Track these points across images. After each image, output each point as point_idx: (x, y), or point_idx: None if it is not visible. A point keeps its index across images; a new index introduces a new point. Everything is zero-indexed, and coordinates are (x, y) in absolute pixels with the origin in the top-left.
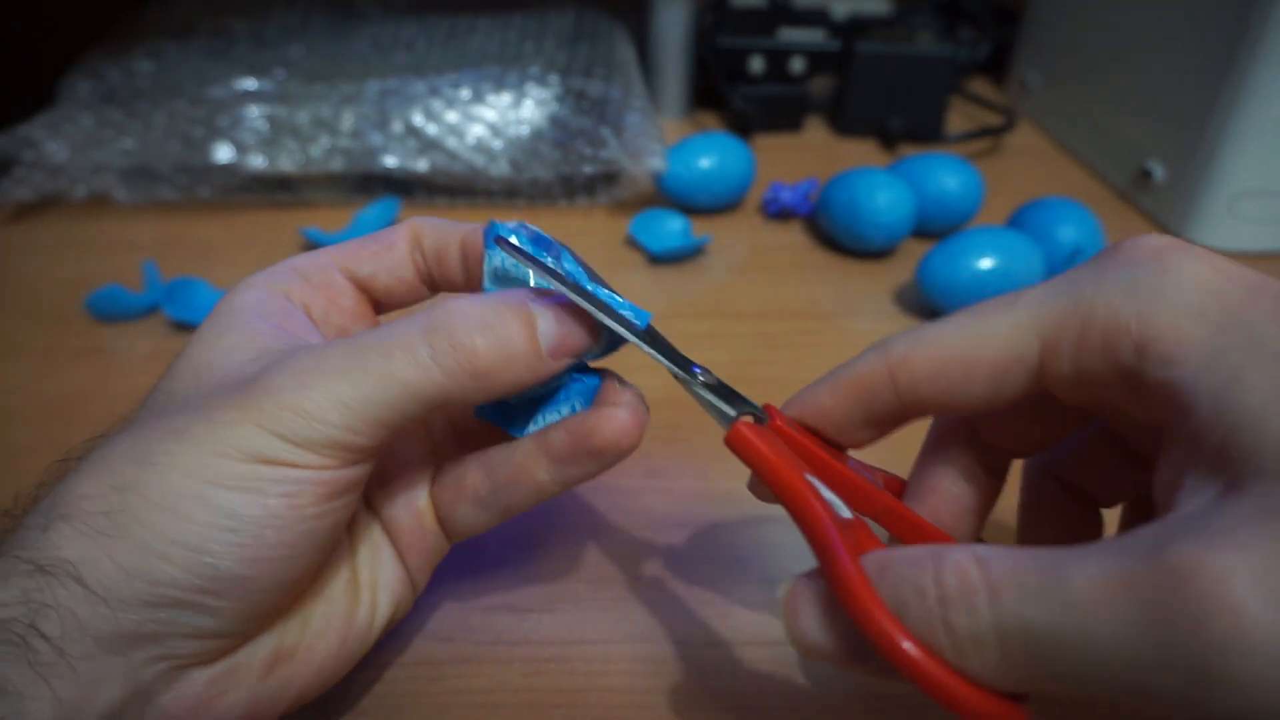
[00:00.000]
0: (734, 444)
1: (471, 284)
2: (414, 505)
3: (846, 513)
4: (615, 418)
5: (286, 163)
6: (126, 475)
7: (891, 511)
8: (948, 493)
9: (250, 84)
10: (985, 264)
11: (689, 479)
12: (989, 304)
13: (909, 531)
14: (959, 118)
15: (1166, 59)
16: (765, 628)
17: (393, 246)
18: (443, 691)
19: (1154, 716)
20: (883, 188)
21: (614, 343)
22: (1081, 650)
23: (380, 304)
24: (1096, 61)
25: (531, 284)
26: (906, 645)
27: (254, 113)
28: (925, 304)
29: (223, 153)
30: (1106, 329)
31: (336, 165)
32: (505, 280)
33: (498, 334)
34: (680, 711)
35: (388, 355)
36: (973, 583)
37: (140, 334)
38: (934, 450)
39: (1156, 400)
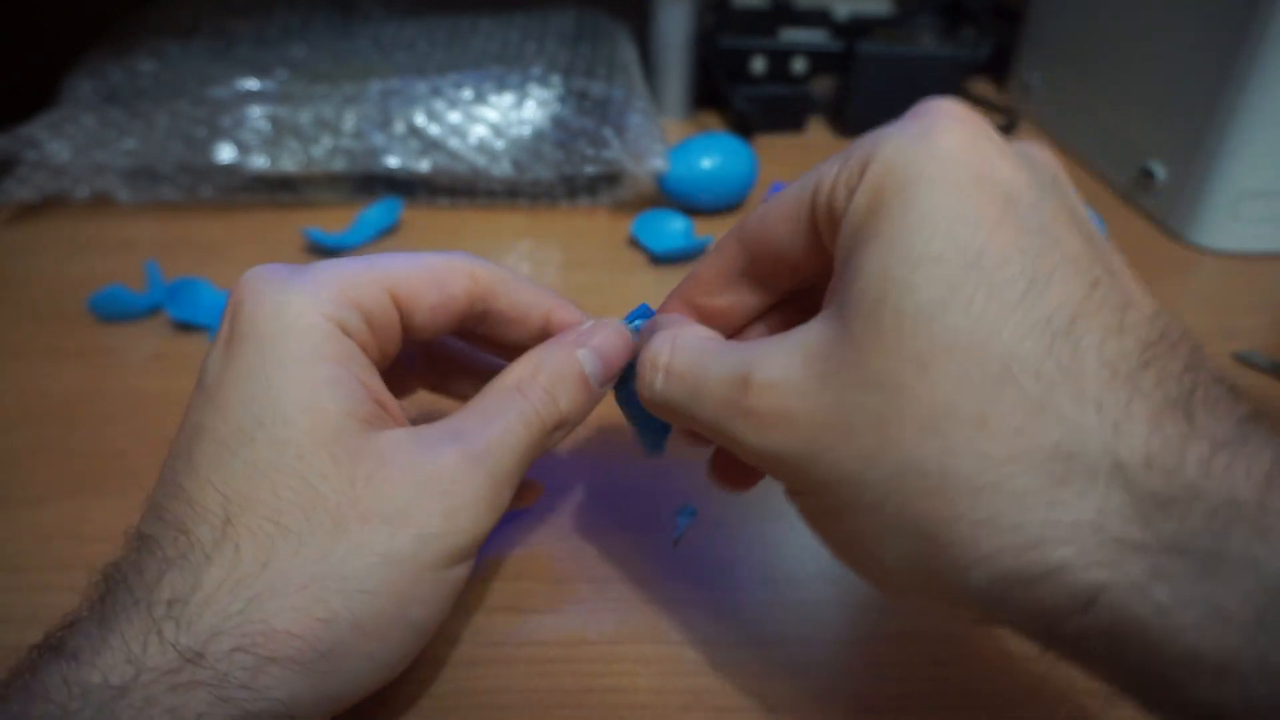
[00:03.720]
0: None
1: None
2: None
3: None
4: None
5: (289, 163)
6: (334, 607)
7: None
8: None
9: (252, 84)
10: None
11: (691, 479)
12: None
13: None
14: None
15: (1169, 59)
16: (768, 628)
17: (453, 297)
18: (447, 693)
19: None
20: None
21: None
22: (698, 416)
23: (407, 336)
24: (1098, 62)
25: None
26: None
27: (256, 113)
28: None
29: (225, 153)
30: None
31: (339, 165)
32: None
33: (574, 390)
34: (682, 712)
35: (531, 428)
36: (659, 363)
37: (143, 334)
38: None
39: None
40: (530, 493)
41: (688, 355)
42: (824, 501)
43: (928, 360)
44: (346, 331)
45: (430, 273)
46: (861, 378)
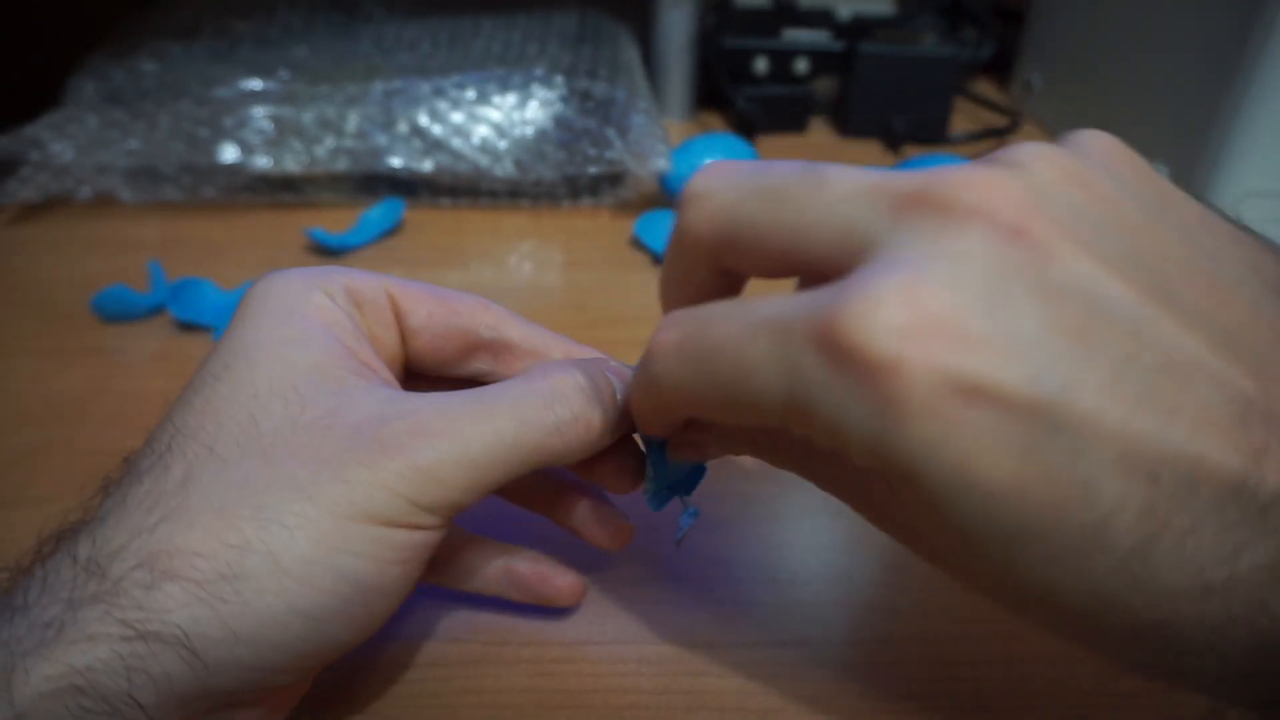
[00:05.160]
0: None
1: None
2: None
3: None
4: (566, 577)
5: (291, 163)
6: (247, 534)
7: None
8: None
9: (255, 85)
10: None
11: None
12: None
13: None
14: (963, 119)
15: (1171, 60)
16: (772, 629)
17: (454, 311)
18: (450, 692)
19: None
20: None
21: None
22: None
23: (406, 354)
24: (1100, 62)
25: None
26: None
27: (259, 113)
28: None
29: (228, 153)
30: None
31: (341, 166)
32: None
33: (606, 404)
34: (685, 713)
35: (519, 421)
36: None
37: (146, 334)
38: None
39: None
40: (620, 532)
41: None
42: None
43: (1020, 606)
44: (333, 302)
45: (431, 288)
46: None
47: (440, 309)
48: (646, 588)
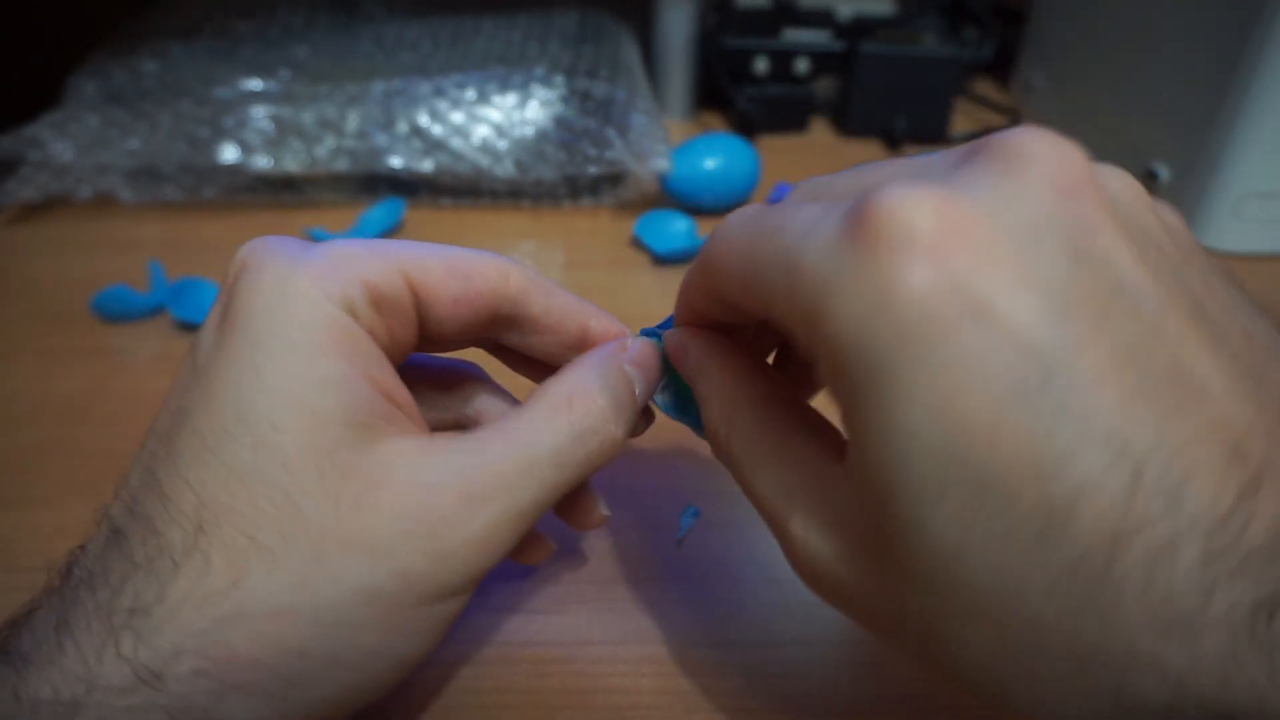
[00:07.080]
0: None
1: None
2: None
3: None
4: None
5: (292, 163)
6: (305, 639)
7: None
8: None
9: (255, 84)
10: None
11: (697, 480)
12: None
13: None
14: (964, 119)
15: (1172, 60)
16: (773, 629)
17: (478, 293)
18: (449, 692)
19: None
20: None
21: None
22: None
23: (421, 337)
24: (1101, 63)
25: None
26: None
27: (259, 113)
28: None
29: (228, 153)
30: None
31: (342, 166)
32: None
33: (625, 409)
34: (686, 713)
35: (559, 465)
36: (719, 437)
37: (146, 334)
38: None
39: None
40: (538, 550)
41: (741, 444)
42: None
43: (961, 612)
44: (354, 315)
45: (454, 264)
46: (898, 590)
47: (465, 291)
48: (646, 588)
